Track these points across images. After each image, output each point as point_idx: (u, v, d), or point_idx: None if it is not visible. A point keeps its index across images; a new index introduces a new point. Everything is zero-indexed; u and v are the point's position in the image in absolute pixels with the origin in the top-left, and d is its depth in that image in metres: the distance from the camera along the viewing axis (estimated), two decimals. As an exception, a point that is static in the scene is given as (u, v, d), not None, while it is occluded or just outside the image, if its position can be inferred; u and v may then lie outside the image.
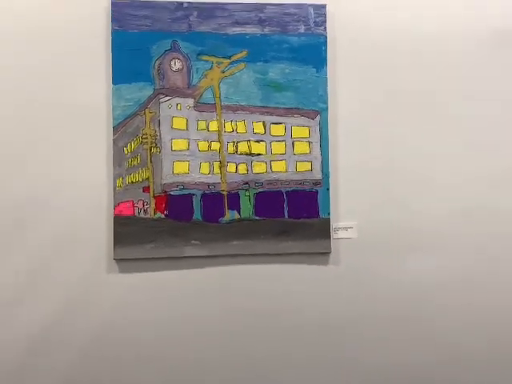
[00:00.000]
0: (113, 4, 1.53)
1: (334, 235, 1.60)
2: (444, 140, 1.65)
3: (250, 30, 1.58)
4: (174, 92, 1.55)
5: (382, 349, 1.62)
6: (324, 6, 1.61)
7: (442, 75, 1.66)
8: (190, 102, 1.56)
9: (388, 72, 1.64)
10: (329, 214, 1.59)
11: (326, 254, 1.60)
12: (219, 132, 1.57)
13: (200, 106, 1.56)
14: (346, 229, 1.61)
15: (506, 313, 1.66)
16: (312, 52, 1.60)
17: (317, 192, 1.59)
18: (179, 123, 1.55)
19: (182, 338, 1.56)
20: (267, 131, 1.58)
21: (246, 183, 1.57)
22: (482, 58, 1.68)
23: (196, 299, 1.56)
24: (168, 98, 1.55)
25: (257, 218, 1.57)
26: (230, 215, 1.56)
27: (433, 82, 1.65)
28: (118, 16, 1.53)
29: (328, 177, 1.59)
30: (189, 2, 1.56)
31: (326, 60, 1.60)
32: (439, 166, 1.65)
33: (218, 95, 1.57)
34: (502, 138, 1.67)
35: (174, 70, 1.55)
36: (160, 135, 1.54)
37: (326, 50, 1.60)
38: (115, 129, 1.52)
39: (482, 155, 1.67)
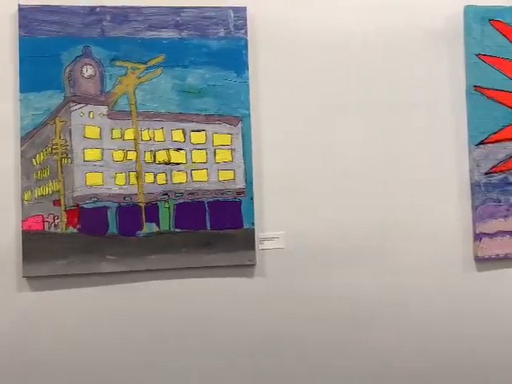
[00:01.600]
0: (20, 10, 1.46)
1: (259, 246, 1.53)
2: (371, 144, 1.60)
3: (166, 34, 1.52)
4: (86, 99, 1.48)
5: (309, 359, 1.54)
6: (244, 9, 1.55)
7: (367, 77, 1.60)
8: (104, 109, 1.48)
9: (312, 75, 1.58)
10: (253, 224, 1.52)
11: (251, 265, 1.52)
12: (135, 141, 1.49)
13: (114, 114, 1.49)
14: (272, 239, 1.54)
15: (430, 321, 1.59)
16: (232, 56, 1.54)
17: (240, 201, 1.52)
18: (92, 132, 1.47)
19: (98, 358, 1.46)
20: (187, 139, 1.51)
21: (166, 194, 1.50)
22: (410, 58, 1.63)
23: (114, 317, 1.48)
24: (80, 105, 1.47)
25: (177, 230, 1.49)
26: (147, 228, 1.48)
27: (358, 85, 1.59)
28: (26, 22, 1.46)
29: (252, 185, 1.53)
30: (101, 6, 1.50)
31: (247, 64, 1.54)
32: (366, 172, 1.58)
33: (133, 102, 1.50)
34: (428, 144, 1.62)
35: (85, 76, 1.47)
36: (71, 145, 1.47)
37: (247, 54, 1.54)
38: (23, 139, 1.45)
39: (409, 162, 1.61)
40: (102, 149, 1.48)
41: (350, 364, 1.56)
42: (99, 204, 1.47)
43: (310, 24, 1.58)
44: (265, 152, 1.55)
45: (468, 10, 1.64)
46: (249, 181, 1.52)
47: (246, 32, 1.55)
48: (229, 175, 1.52)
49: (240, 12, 1.55)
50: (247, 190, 1.52)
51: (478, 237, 1.61)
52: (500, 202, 1.62)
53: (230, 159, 1.53)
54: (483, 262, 1.62)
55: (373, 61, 1.61)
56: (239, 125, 1.53)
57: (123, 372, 1.48)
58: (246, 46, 1.54)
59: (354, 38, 1.60)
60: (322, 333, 1.55)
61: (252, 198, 1.52)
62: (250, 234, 1.52)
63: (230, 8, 1.54)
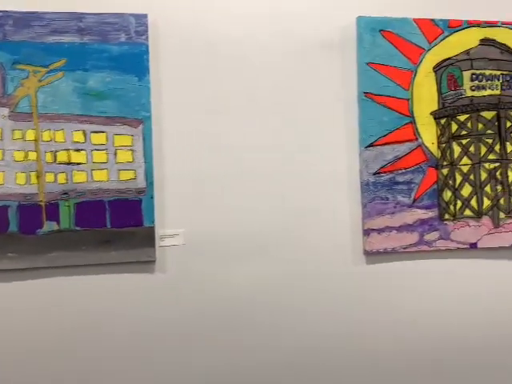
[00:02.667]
0: None
1: (160, 243, 1.60)
2: (268, 145, 1.69)
3: (68, 38, 1.57)
4: (-13, 102, 1.51)
5: (211, 352, 1.63)
6: (145, 16, 1.61)
7: (263, 82, 1.69)
8: (5, 111, 1.53)
9: (213, 79, 1.66)
10: (153, 222, 1.59)
11: (152, 262, 1.59)
12: (36, 141, 1.54)
13: (16, 116, 1.53)
14: (172, 236, 1.62)
15: (323, 309, 1.70)
16: (134, 61, 1.60)
17: (140, 200, 1.59)
18: (-8, 133, 1.51)
19: (5, 357, 1.51)
20: (87, 140, 1.57)
21: (66, 193, 1.55)
22: (305, 65, 1.73)
23: (14, 313, 1.52)
24: (-20, 107, 1.51)
25: (78, 228, 1.55)
26: (48, 226, 1.54)
27: (255, 89, 1.68)
28: None
29: (152, 185, 1.60)
30: (3, 11, 1.54)
31: (148, 69, 1.61)
32: (263, 172, 1.68)
33: (34, 104, 1.54)
34: (317, 143, 1.73)
35: (-14, 79, 1.51)
36: (-29, 146, 1.50)
37: (148, 59, 1.61)
38: None
39: (304, 163, 1.72)
40: (3, 149, 1.52)
41: (251, 357, 1.65)
42: (0, 203, 1.51)
43: (208, 31, 1.66)
44: (166, 153, 1.63)
45: (360, 20, 1.75)
46: (149, 180, 1.60)
47: (147, 38, 1.61)
48: (129, 175, 1.59)
49: (141, 18, 1.61)
50: (148, 190, 1.60)
51: (366, 232, 1.73)
52: (388, 199, 1.75)
53: (131, 160, 1.59)
54: (372, 255, 1.74)
55: (270, 67, 1.71)
56: (140, 127, 1.60)
57: (19, 368, 1.53)
58: (147, 51, 1.61)
59: (252, 45, 1.69)
60: (221, 327, 1.64)
61: (152, 197, 1.60)
62: (150, 232, 1.59)
63: (131, 15, 1.61)
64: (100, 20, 1.59)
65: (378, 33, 1.76)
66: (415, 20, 1.79)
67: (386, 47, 1.77)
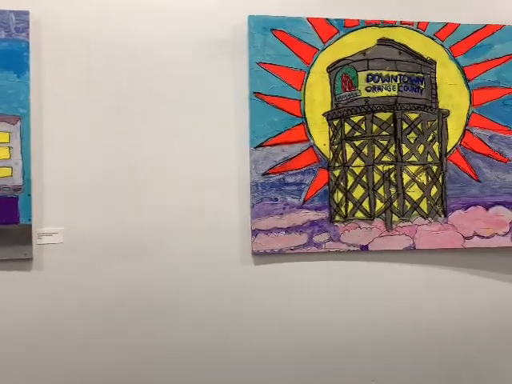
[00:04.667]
0: None
1: (38, 241, 1.60)
2: (157, 144, 1.69)
3: None
4: None
5: (86, 352, 1.63)
6: (27, 13, 1.60)
7: (152, 81, 1.68)
8: None
9: (96, 77, 1.65)
10: (30, 219, 1.59)
11: (29, 260, 1.59)
12: None
13: None
14: (50, 234, 1.61)
15: (210, 310, 1.70)
16: (13, 58, 1.60)
17: (17, 198, 1.59)
18: None
19: None
20: (-37, 137, 1.56)
21: None
22: (196, 64, 1.72)
23: None
24: None
25: (-49, 225, 1.55)
26: None
27: (143, 88, 1.67)
28: None
29: (30, 182, 1.59)
30: None
31: (28, 65, 1.60)
32: (150, 170, 1.67)
33: None
34: (208, 143, 1.72)
35: None
36: None
37: (28, 56, 1.60)
38: None
39: (194, 162, 1.71)
40: None
41: (131, 357, 1.66)
42: None
43: (93, 28, 1.65)
44: (46, 150, 1.62)
45: (251, 19, 1.74)
46: (26, 178, 1.59)
47: (27, 35, 1.60)
48: (6, 172, 1.59)
49: (22, 15, 1.60)
50: (25, 187, 1.59)
51: (254, 233, 1.73)
52: (277, 200, 1.74)
53: (8, 157, 1.59)
54: (259, 256, 1.74)
55: (159, 67, 1.69)
56: (18, 123, 1.59)
57: None
58: (27, 49, 1.60)
59: (138, 46, 1.68)
60: (98, 326, 1.64)
61: (30, 195, 1.59)
62: (27, 230, 1.59)
63: (11, 11, 1.60)
64: (-22, 16, 1.58)
65: (269, 32, 1.75)
66: (309, 19, 1.77)
67: (278, 47, 1.75)
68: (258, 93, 1.74)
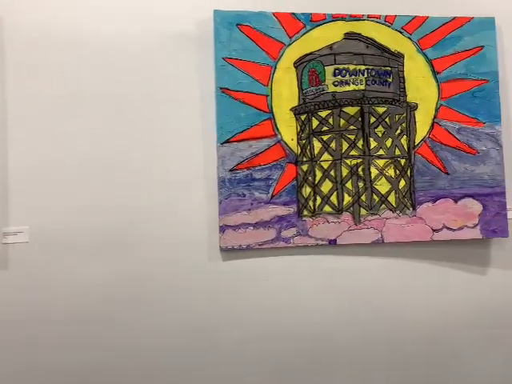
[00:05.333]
0: None
1: (3, 240, 1.60)
2: (123, 140, 1.69)
3: None
4: None
5: (56, 352, 1.63)
6: (-13, 10, 1.59)
7: (115, 77, 1.68)
8: None
9: (61, 75, 1.64)
10: (-5, 219, 1.59)
11: (-6, 259, 1.60)
12: None
13: None
14: (15, 233, 1.61)
15: (178, 306, 1.71)
16: (-26, 56, 1.58)
17: (-19, 197, 1.58)
18: None
19: None
20: None
21: None
22: (161, 60, 1.72)
23: None
24: None
25: None
26: None
27: (104, 84, 1.67)
28: None
29: (-6, 182, 1.59)
30: None
31: (-11, 64, 1.59)
32: (117, 166, 1.68)
33: None
34: (175, 139, 1.72)
35: None
36: None
37: (-11, 55, 1.59)
38: None
39: (161, 158, 1.71)
40: None
41: (101, 356, 1.66)
42: None
43: (55, 27, 1.64)
44: (10, 148, 1.61)
45: (216, 14, 1.73)
46: (-10, 177, 1.59)
47: (-12, 33, 1.59)
48: (-31, 172, 1.58)
49: (-18, 13, 1.59)
50: (-11, 187, 1.58)
51: (221, 229, 1.73)
52: (244, 196, 1.74)
53: (-29, 157, 1.58)
54: (227, 252, 1.75)
55: (124, 62, 1.69)
56: (-19, 123, 1.58)
57: None
58: (-12, 47, 1.59)
59: (105, 39, 1.68)
60: (67, 326, 1.64)
61: (-6, 194, 1.59)
62: (-8, 229, 1.59)
63: (-29, 9, 1.58)
64: None
65: (235, 27, 1.74)
66: (275, 14, 1.77)
67: (244, 42, 1.75)
68: (225, 88, 1.73)
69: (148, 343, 1.70)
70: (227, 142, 1.74)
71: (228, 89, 1.73)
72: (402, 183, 1.83)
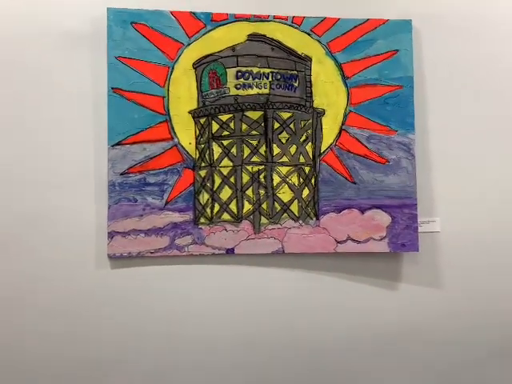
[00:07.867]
0: None
1: None
2: (6, 143, 1.62)
3: None
4: None
5: None
6: None
7: (9, 76, 1.63)
8: None
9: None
10: None
11: None
12: None
13: None
14: None
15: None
16: None
17: None
18: None
19: None
20: None
21: None
22: (51, 58, 1.65)
23: None
24: None
25: None
26: None
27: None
28: None
29: None
30: None
31: None
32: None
33: None
34: (63, 141, 1.65)
35: None
36: None
37: None
38: None
39: (49, 160, 1.66)
40: None
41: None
42: None
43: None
44: None
45: (110, 12, 1.66)
46: None
47: None
48: None
49: None
50: None
51: (110, 235, 1.66)
52: (136, 201, 1.67)
53: None
54: (116, 259, 1.67)
55: (11, 60, 1.63)
56: None
57: None
58: None
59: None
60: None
61: None
62: None
63: None
64: None
65: (129, 25, 1.67)
66: (173, 12, 1.70)
67: (139, 41, 1.68)
68: (117, 88, 1.66)
69: (31, 356, 1.62)
70: (118, 144, 1.66)
71: (121, 89, 1.66)
72: (306, 192, 1.75)
